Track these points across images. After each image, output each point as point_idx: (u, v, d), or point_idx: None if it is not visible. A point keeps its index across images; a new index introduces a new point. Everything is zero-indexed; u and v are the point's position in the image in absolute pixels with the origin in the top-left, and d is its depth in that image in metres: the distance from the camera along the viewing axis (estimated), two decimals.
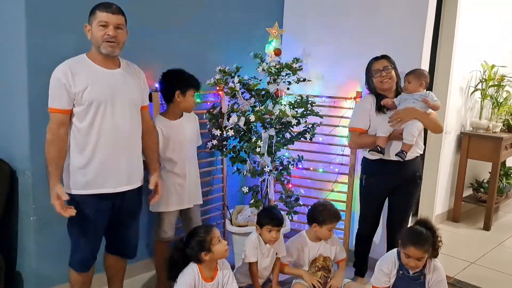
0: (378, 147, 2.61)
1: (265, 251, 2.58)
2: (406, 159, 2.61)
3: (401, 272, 2.37)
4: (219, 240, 2.23)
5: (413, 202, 2.84)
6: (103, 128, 2.11)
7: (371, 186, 2.81)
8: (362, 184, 2.86)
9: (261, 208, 2.83)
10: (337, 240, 2.76)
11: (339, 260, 2.74)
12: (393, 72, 2.67)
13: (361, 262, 2.98)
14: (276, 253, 2.64)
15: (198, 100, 3.03)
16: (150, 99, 2.67)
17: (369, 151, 2.68)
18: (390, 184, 2.75)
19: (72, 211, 2.05)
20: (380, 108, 2.69)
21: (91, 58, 2.12)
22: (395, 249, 2.43)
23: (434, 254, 2.33)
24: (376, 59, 2.71)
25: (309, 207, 2.75)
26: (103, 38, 2.05)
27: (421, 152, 2.75)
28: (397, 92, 2.72)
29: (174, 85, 2.58)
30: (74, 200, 2.11)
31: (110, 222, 2.27)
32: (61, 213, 2.04)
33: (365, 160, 2.83)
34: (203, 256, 2.20)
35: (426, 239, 2.24)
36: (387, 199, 2.86)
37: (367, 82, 2.76)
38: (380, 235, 3.07)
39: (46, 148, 2.06)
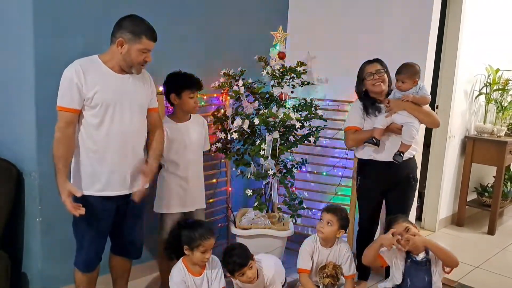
0: (373, 139, 2.62)
1: None
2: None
3: (409, 260, 2.43)
4: (203, 250, 2.28)
5: (410, 203, 2.84)
6: (111, 131, 2.13)
7: (366, 187, 2.84)
8: (358, 185, 2.89)
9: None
10: (350, 253, 2.71)
11: (347, 276, 2.68)
12: (385, 75, 2.68)
13: (364, 265, 2.98)
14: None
15: (203, 103, 3.05)
16: None
17: (364, 142, 2.68)
18: (383, 185, 2.77)
19: (82, 210, 2.05)
20: (368, 112, 2.70)
21: (104, 61, 2.13)
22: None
23: None
24: (369, 62, 2.71)
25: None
26: (140, 63, 2.12)
27: (415, 153, 2.75)
28: (388, 96, 2.73)
29: (170, 88, 2.60)
30: (80, 200, 2.13)
31: (114, 223, 2.28)
32: (72, 211, 2.04)
33: (359, 161, 2.86)
34: (185, 249, 2.31)
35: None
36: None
37: (357, 86, 2.76)
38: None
39: (55, 146, 2.06)
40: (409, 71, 2.60)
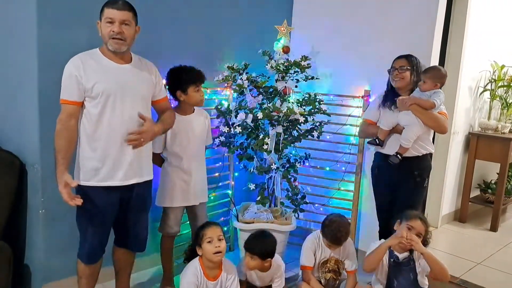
0: (375, 139, 2.69)
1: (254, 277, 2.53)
2: (404, 155, 2.62)
3: (392, 260, 2.45)
4: (209, 240, 2.27)
5: (416, 200, 2.77)
6: (112, 121, 2.14)
7: (376, 178, 2.88)
8: (371, 178, 2.94)
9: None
10: (353, 249, 2.71)
11: (349, 271, 2.68)
12: (407, 73, 2.64)
13: None
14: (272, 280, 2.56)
15: (207, 96, 3.04)
16: None
17: (367, 143, 2.78)
18: (391, 177, 2.75)
19: (79, 201, 2.06)
20: (384, 104, 2.72)
21: (103, 52, 2.16)
22: (383, 239, 2.53)
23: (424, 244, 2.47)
24: (399, 57, 2.71)
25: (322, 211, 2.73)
26: (109, 35, 2.08)
27: (425, 152, 2.69)
28: (412, 92, 2.71)
29: (174, 85, 2.59)
30: (82, 191, 2.14)
31: (118, 215, 2.29)
32: (67, 201, 2.05)
33: (375, 153, 2.89)
34: (198, 249, 2.31)
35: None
36: None
37: (388, 77, 2.78)
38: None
39: (55, 138, 2.09)
40: (431, 73, 2.59)
